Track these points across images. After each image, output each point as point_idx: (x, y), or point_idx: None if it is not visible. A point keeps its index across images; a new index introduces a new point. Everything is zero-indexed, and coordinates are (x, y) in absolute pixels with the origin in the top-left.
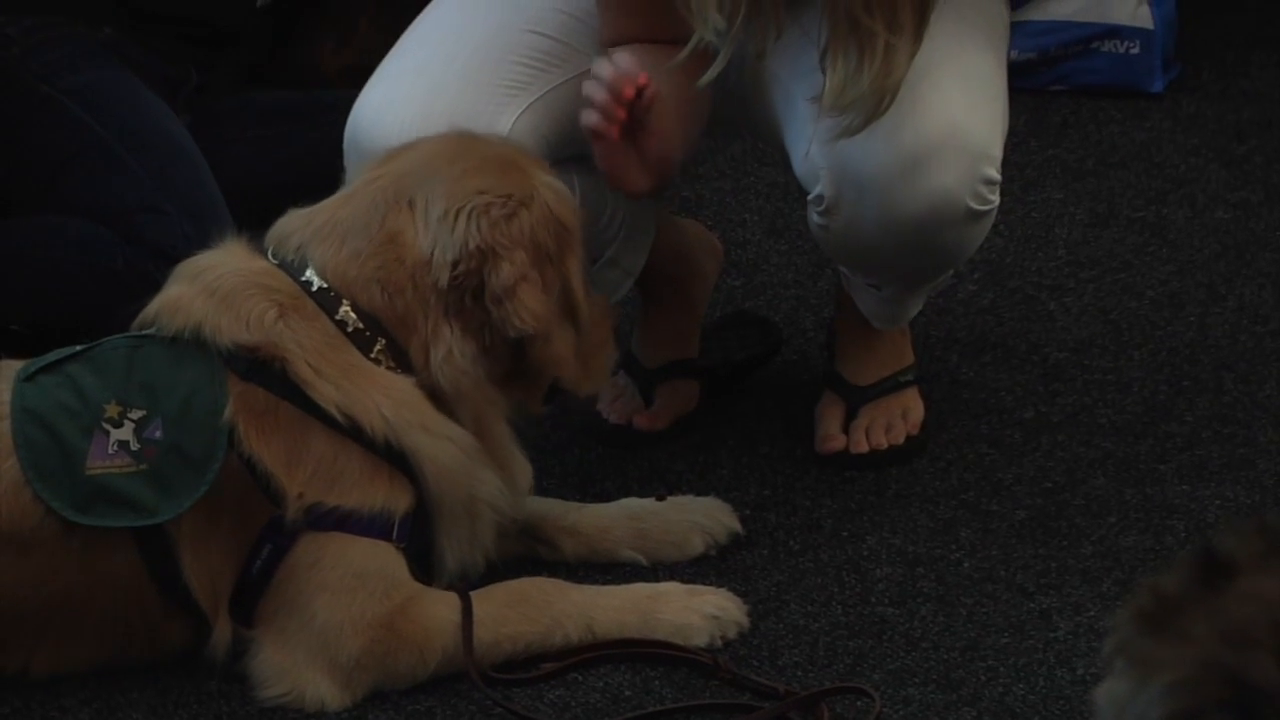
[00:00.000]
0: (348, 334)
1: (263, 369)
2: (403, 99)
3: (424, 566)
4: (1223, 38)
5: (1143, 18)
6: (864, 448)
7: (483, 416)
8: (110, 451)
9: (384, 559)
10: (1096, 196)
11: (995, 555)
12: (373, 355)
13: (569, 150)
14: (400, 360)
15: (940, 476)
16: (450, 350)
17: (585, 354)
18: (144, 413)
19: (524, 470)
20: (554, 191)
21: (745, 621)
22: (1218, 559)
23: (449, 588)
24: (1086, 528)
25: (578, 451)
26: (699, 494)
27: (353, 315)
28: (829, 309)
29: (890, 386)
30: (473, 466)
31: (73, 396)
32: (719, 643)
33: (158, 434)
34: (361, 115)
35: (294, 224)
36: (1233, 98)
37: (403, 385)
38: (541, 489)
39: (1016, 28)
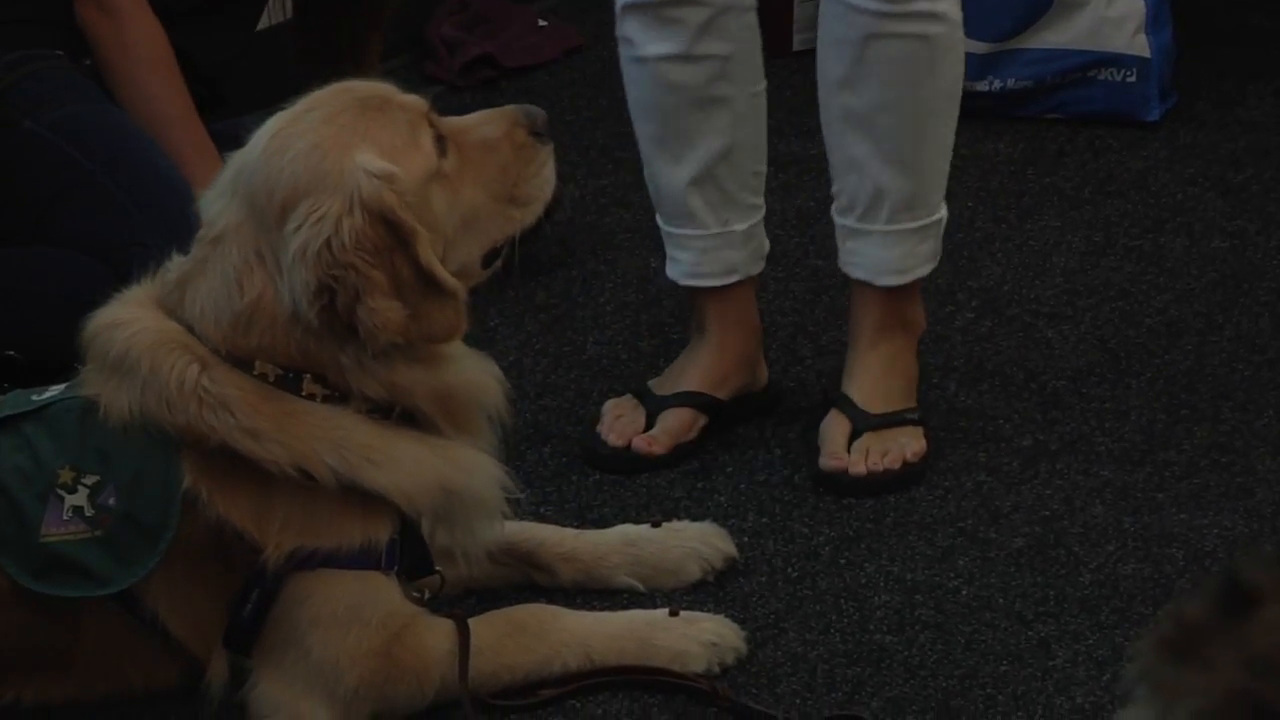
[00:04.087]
0: (271, 383)
1: (206, 442)
2: None
3: (423, 571)
4: (1220, 67)
5: (1140, 46)
6: (862, 469)
7: (428, 380)
8: (65, 518)
9: (375, 589)
10: (1093, 225)
11: (993, 583)
12: (304, 393)
13: None
14: (334, 387)
15: (938, 504)
16: (359, 370)
17: (513, 188)
18: (97, 478)
19: (485, 386)
20: (370, 179)
21: (743, 648)
22: (1241, 587)
23: (447, 615)
24: (1085, 556)
25: (575, 478)
26: (696, 520)
27: (268, 366)
28: (826, 335)
29: (896, 420)
30: (436, 467)
31: (28, 459)
32: (717, 669)
33: (111, 501)
34: None
35: (175, 292)
36: (1229, 127)
37: (340, 420)
38: (539, 515)
39: (1014, 55)
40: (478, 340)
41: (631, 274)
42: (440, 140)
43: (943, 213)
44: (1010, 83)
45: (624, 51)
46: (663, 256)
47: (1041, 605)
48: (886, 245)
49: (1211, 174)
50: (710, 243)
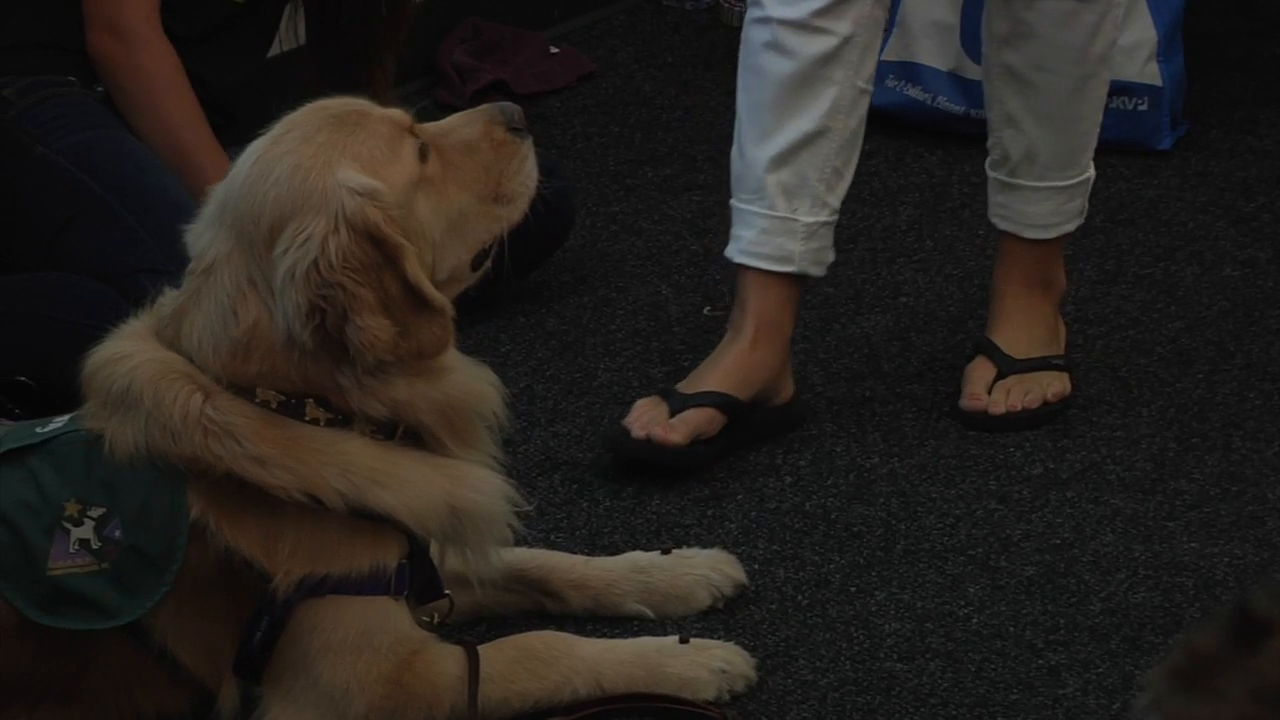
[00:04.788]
0: (274, 410)
1: (212, 471)
2: None
3: (432, 595)
4: (1231, 96)
5: (1151, 75)
6: (1001, 409)
7: (429, 394)
8: (71, 551)
9: (385, 614)
10: (1105, 253)
11: (1004, 612)
12: (308, 418)
13: None
14: (337, 410)
15: (949, 532)
16: (358, 390)
17: (497, 186)
18: (103, 510)
19: (484, 393)
20: (354, 197)
21: (753, 675)
22: (1253, 618)
23: (457, 642)
24: (1095, 585)
25: (586, 505)
26: (706, 548)
27: (270, 393)
28: (837, 363)
29: (1040, 365)
30: (442, 485)
31: (33, 493)
32: (727, 696)
33: (117, 533)
34: None
35: (171, 325)
36: (1241, 155)
37: (344, 444)
38: (549, 542)
39: None
40: (488, 365)
41: (643, 301)
42: (421, 147)
43: (1091, 172)
44: None
45: (750, 14)
46: (673, 284)
47: (1052, 634)
48: (1035, 200)
49: (1223, 202)
50: (772, 224)
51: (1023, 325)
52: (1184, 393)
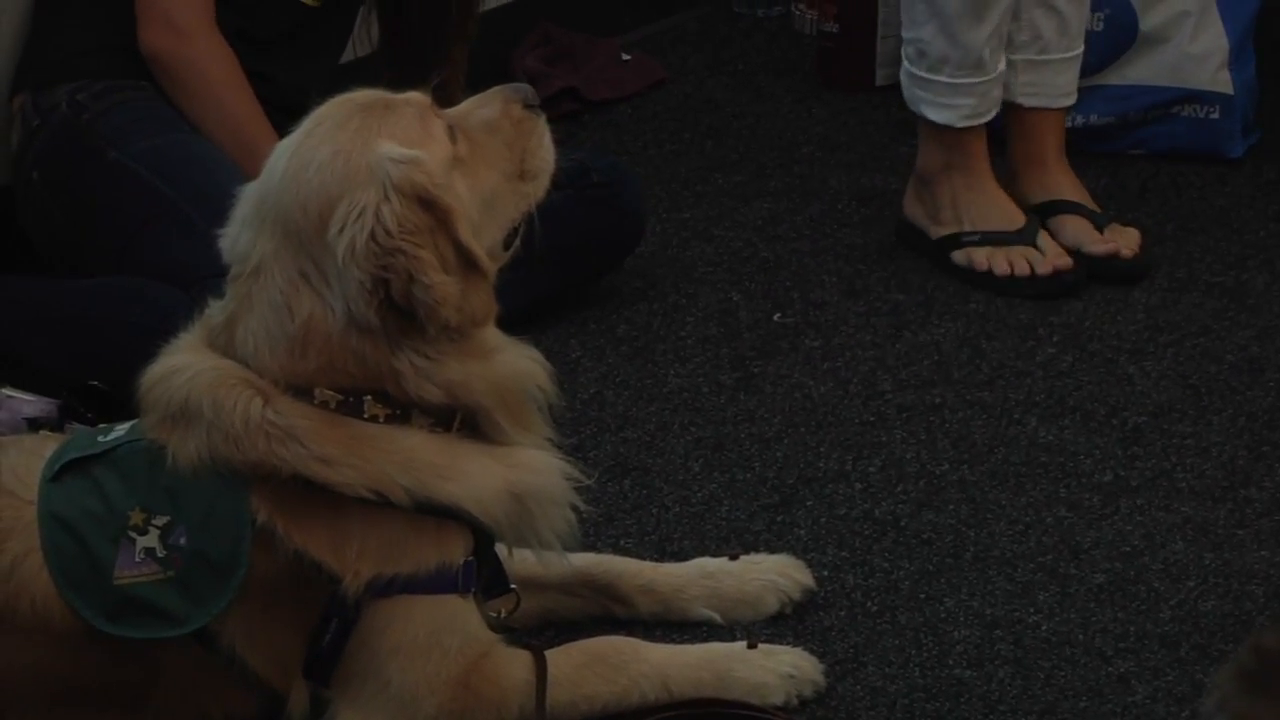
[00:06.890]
0: (333, 410)
1: (278, 475)
2: None
3: (498, 590)
4: None
5: (1222, 83)
6: (1129, 252)
7: (483, 373)
8: (137, 560)
9: (454, 615)
10: (1175, 261)
11: (1073, 619)
12: (367, 415)
13: None
14: (395, 404)
15: (1018, 539)
16: (416, 376)
17: (520, 164)
18: (168, 519)
19: (533, 371)
20: (398, 165)
21: (822, 681)
22: None
23: (525, 646)
24: (1165, 592)
25: (655, 511)
26: (774, 554)
27: (329, 393)
28: (906, 370)
29: (1109, 215)
30: (502, 473)
31: (98, 503)
32: (795, 702)
33: (182, 540)
34: None
35: (224, 333)
36: None
37: (405, 440)
38: (618, 548)
39: (1097, 91)
40: (559, 371)
41: (713, 307)
42: (449, 127)
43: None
44: (1093, 118)
45: None
46: (743, 290)
47: (1121, 641)
48: (1065, 70)
49: None
50: (989, 86)
51: (1079, 185)
52: (1254, 401)
